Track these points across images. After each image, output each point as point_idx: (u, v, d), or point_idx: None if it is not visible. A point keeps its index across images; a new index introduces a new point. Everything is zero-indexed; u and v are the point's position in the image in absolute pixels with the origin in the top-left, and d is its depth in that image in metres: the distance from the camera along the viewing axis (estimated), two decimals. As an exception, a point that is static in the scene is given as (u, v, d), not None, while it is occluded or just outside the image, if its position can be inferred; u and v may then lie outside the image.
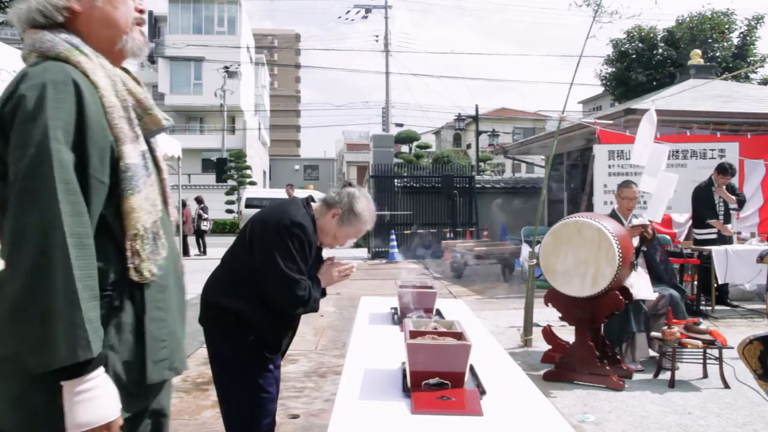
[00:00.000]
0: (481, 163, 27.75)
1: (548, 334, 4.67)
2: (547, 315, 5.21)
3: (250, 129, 35.78)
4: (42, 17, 1.28)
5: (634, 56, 18.87)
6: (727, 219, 6.88)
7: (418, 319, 2.20)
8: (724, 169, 6.76)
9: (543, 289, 4.53)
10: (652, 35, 18.77)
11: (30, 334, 1.11)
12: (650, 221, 4.80)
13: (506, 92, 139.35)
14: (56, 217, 1.11)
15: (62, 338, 1.10)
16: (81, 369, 1.13)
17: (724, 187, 6.77)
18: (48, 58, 1.25)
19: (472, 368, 1.85)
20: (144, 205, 1.29)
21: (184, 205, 12.97)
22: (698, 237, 7.01)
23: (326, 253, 2.43)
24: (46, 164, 1.12)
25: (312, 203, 2.32)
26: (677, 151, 8.01)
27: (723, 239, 6.77)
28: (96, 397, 1.15)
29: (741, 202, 6.97)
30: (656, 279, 4.71)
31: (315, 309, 2.23)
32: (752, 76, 17.91)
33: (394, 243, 13.27)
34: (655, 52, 18.58)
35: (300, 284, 2.12)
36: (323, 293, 2.33)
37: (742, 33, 18.37)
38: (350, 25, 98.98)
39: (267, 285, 2.11)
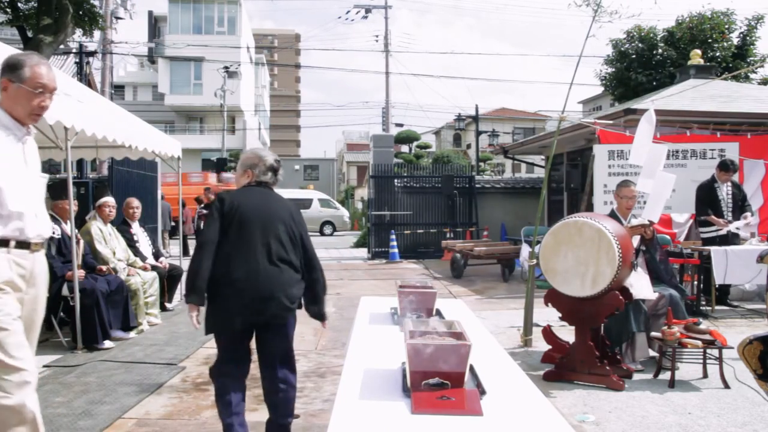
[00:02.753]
0: (481, 163, 27.76)
1: (548, 334, 4.67)
2: (547, 315, 5.21)
3: (250, 129, 35.80)
4: None
5: (634, 56, 18.82)
6: (736, 215, 6.85)
7: (418, 319, 2.20)
8: (725, 166, 6.78)
9: (543, 289, 4.53)
10: (652, 35, 18.73)
11: None
12: (650, 221, 4.79)
13: (506, 92, 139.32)
14: None
15: None
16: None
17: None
18: None
19: (472, 368, 1.85)
20: None
21: (183, 205, 12.92)
22: (704, 236, 6.99)
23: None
24: None
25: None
26: (677, 151, 8.01)
27: (727, 237, 6.75)
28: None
29: (744, 199, 6.97)
30: (656, 279, 4.71)
31: None
32: (752, 76, 17.87)
33: (394, 243, 13.27)
34: (655, 52, 18.54)
35: None
36: None
37: (742, 33, 18.33)
38: (350, 25, 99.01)
39: (316, 260, 2.93)
